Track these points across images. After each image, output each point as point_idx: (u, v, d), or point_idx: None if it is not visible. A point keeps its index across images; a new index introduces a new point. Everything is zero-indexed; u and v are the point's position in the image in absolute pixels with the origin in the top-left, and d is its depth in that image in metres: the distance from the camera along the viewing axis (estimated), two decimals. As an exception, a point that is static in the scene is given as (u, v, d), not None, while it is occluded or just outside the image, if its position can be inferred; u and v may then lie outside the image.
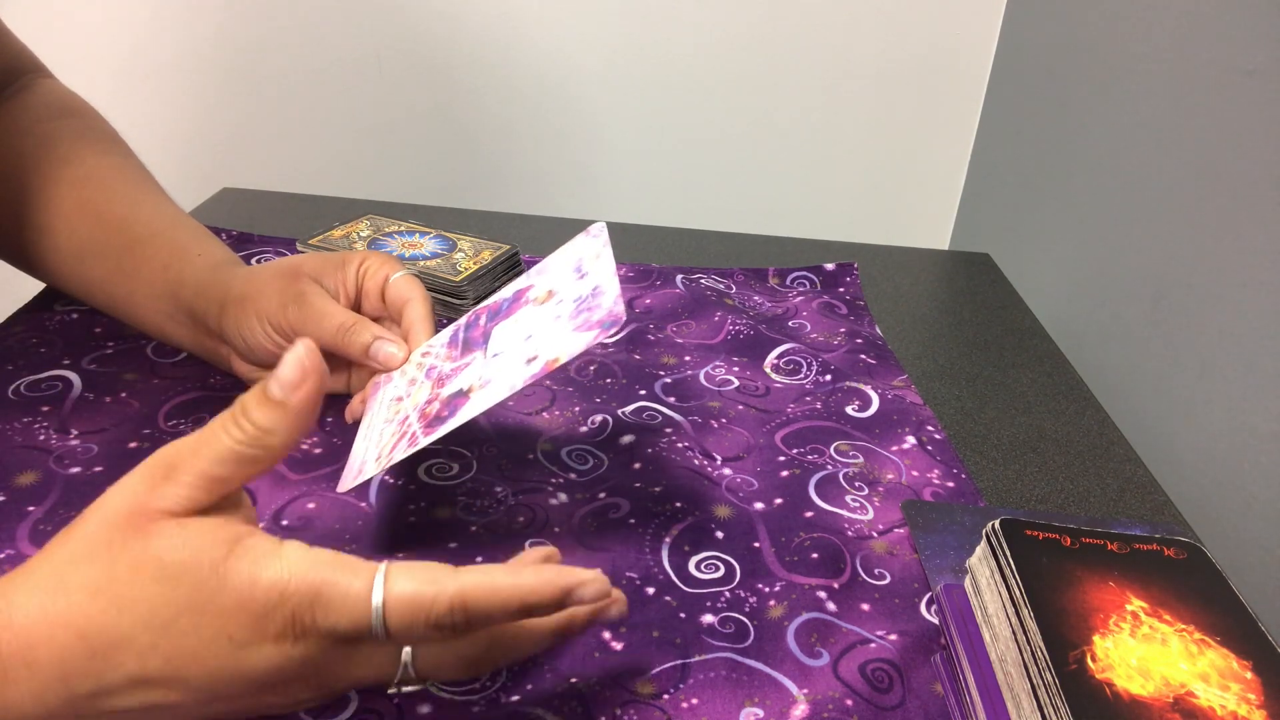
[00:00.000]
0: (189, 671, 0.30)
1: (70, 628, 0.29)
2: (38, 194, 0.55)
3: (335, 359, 0.54)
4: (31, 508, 0.46)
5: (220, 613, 0.30)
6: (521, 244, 0.75)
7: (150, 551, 0.30)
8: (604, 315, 0.40)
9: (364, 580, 0.31)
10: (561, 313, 0.43)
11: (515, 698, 0.39)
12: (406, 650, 0.33)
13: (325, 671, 0.32)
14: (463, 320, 0.51)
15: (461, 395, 0.43)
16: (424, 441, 0.41)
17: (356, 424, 0.50)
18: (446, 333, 0.50)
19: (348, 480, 0.45)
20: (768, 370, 0.66)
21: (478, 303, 0.66)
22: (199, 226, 0.57)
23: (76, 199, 0.56)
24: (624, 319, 0.40)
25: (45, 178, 0.56)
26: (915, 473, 0.56)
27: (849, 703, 0.40)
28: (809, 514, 0.51)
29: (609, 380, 0.62)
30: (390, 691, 0.34)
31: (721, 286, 0.77)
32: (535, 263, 0.75)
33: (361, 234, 0.73)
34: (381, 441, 0.44)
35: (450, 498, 0.50)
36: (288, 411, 0.33)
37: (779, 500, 0.52)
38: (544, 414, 0.58)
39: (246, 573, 0.30)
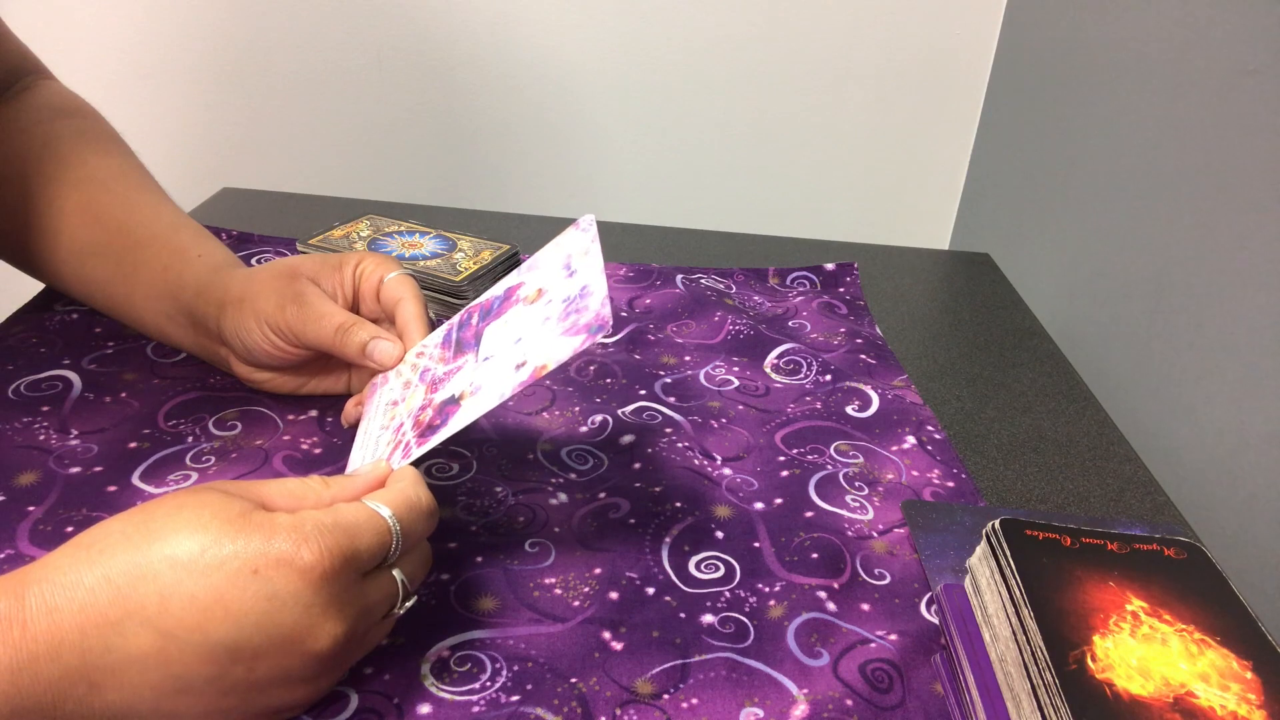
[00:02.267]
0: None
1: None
2: (39, 195, 0.55)
3: (335, 360, 0.54)
4: (31, 508, 0.46)
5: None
6: (521, 244, 0.75)
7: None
8: (591, 319, 0.40)
9: (361, 508, 0.36)
10: (551, 314, 0.43)
11: (515, 698, 0.39)
12: (397, 570, 0.37)
13: (361, 614, 0.35)
14: (455, 319, 0.50)
15: (453, 403, 0.43)
16: (417, 452, 0.41)
17: (355, 427, 0.50)
18: (440, 332, 0.50)
19: None
20: (768, 370, 0.66)
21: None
22: (199, 228, 0.57)
23: (77, 200, 0.56)
24: (610, 323, 0.39)
25: (46, 179, 0.56)
26: (915, 473, 0.56)
27: (849, 703, 0.40)
28: (809, 514, 0.51)
29: (609, 380, 0.62)
30: (398, 612, 0.38)
31: (721, 286, 0.77)
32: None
33: (361, 234, 0.73)
34: (378, 450, 0.44)
35: (450, 498, 0.50)
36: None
37: (779, 500, 0.52)
38: (544, 414, 0.58)
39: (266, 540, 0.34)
